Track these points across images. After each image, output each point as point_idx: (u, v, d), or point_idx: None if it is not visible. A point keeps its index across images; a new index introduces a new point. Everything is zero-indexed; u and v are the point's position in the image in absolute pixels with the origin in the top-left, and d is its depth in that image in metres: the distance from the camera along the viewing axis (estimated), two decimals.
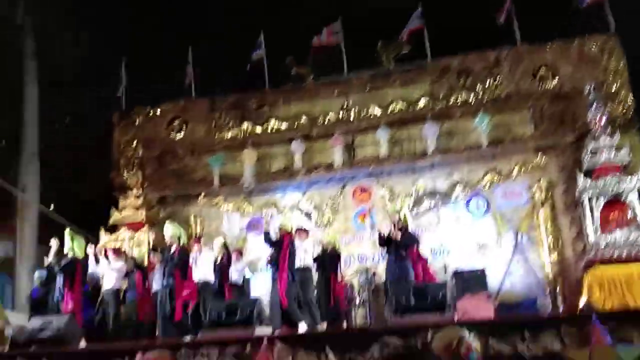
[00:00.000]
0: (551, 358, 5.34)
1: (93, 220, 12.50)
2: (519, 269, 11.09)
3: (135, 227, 11.96)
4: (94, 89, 14.06)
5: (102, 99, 13.87)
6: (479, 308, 8.40)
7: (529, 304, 10.29)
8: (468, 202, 11.64)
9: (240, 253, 10.63)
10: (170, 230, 9.07)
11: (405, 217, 9.43)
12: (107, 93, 13.57)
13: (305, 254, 8.99)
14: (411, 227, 9.76)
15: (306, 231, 9.53)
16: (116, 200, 12.65)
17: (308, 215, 12.39)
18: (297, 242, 8.84)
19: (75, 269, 9.22)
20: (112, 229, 12.20)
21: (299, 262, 8.72)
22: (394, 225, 8.96)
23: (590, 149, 10.15)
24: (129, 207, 12.26)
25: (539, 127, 11.58)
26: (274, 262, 8.44)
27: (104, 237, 11.99)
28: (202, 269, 9.28)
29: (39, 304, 9.95)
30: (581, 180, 9.98)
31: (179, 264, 8.61)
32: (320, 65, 12.98)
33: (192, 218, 12.75)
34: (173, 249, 8.82)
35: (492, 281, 10.26)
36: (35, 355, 6.90)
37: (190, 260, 9.08)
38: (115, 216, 12.27)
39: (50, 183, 14.84)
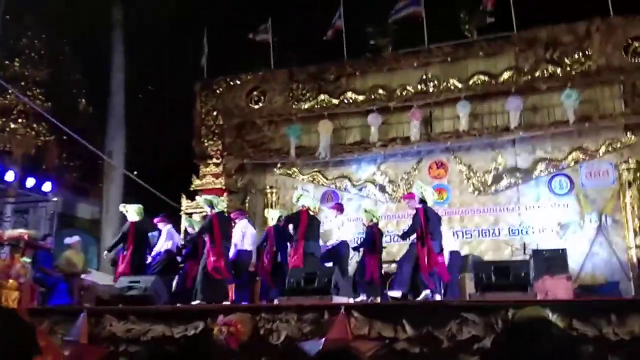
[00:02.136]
0: (638, 343, 5.15)
1: (174, 186, 12.97)
2: (601, 252, 10.71)
3: (214, 193, 12.30)
4: (177, 58, 14.41)
5: (185, 68, 14.22)
6: (559, 289, 8.21)
7: (611, 287, 9.92)
8: (550, 180, 11.27)
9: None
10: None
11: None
12: (189, 62, 13.89)
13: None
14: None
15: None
16: (197, 168, 13.08)
17: (382, 188, 12.37)
18: None
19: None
20: (192, 195, 12.64)
21: None
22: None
23: None
24: (209, 175, 12.66)
25: (630, 104, 10.98)
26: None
27: (184, 202, 12.46)
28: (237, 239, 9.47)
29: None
30: None
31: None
32: (400, 36, 12.77)
33: (267, 187, 13.00)
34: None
35: (573, 262, 9.95)
36: (122, 313, 7.27)
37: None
38: (195, 183, 12.72)
39: (135, 149, 15.47)
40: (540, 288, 7.78)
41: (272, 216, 9.84)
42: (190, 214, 12.30)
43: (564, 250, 9.26)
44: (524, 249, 10.40)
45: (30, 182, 13.24)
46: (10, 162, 13.09)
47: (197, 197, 10.26)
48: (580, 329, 5.28)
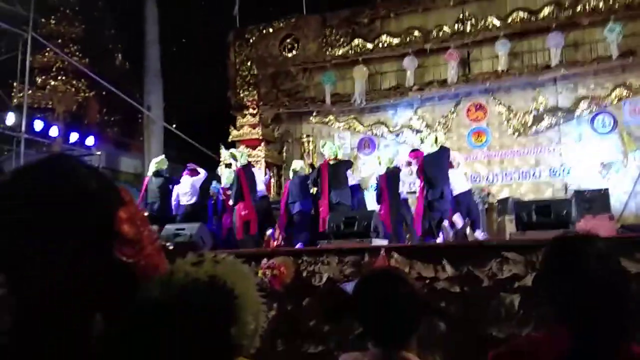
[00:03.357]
0: None
1: (213, 137, 13.14)
2: None
3: (252, 143, 12.49)
4: (210, 8, 14.34)
5: (217, 18, 14.16)
6: (601, 229, 8.11)
7: None
8: (593, 118, 10.98)
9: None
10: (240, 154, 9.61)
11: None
12: (222, 11, 13.81)
13: None
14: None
15: None
16: (234, 118, 13.19)
17: (419, 133, 12.26)
18: None
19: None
20: (231, 145, 12.79)
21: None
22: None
23: None
24: (246, 125, 12.77)
25: None
26: None
27: (224, 152, 12.62)
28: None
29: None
30: None
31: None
32: None
33: (304, 136, 13.05)
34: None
35: (616, 202, 9.80)
36: (169, 256, 7.56)
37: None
38: (233, 133, 12.85)
39: (173, 102, 15.65)
40: (583, 228, 7.72)
41: (293, 168, 10.05)
42: (229, 165, 12.47)
43: (606, 190, 9.12)
44: (566, 190, 10.27)
45: (73, 137, 13.61)
46: (53, 119, 13.43)
47: (222, 151, 10.54)
48: (623, 264, 5.25)
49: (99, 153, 14.13)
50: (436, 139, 8.57)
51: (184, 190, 9.98)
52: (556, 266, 1.52)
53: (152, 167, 9.87)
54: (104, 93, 14.19)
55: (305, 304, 6.54)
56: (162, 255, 1.05)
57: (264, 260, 6.69)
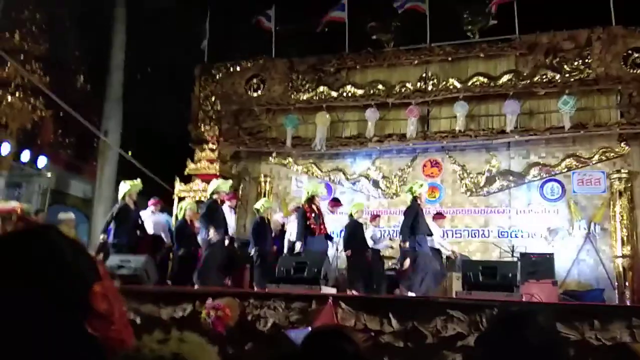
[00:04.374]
0: (621, 350, 5.23)
1: (169, 169, 12.98)
2: (588, 259, 10.85)
3: (208, 178, 12.33)
4: (179, 41, 14.37)
5: (185, 51, 14.19)
6: (544, 292, 8.31)
7: (596, 294, 10.07)
8: (542, 185, 11.38)
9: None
10: (222, 186, 9.41)
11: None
12: (190, 45, 13.86)
13: None
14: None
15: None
16: (192, 152, 13.09)
17: (376, 184, 12.43)
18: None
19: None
20: (187, 179, 12.66)
21: None
22: None
23: None
24: (204, 160, 12.67)
25: (626, 115, 11.09)
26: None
27: (178, 186, 12.48)
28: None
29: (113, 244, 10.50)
30: None
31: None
32: (402, 33, 12.81)
33: (262, 176, 13.03)
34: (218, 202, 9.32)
35: (559, 267, 10.07)
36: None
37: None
38: (190, 167, 12.73)
39: (131, 129, 15.42)
40: (526, 291, 7.88)
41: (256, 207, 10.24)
42: (182, 198, 12.32)
43: (551, 255, 9.38)
44: (512, 252, 10.50)
45: (25, 155, 13.21)
46: (6, 135, 13.02)
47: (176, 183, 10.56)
48: (563, 332, 5.37)
49: (49, 175, 13.73)
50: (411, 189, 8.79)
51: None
52: (499, 334, 1.55)
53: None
54: (61, 114, 13.87)
55: (247, 348, 6.42)
56: (130, 331, 1.08)
57: (209, 300, 6.56)
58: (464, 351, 5.53)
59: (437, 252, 9.57)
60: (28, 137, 13.89)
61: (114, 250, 8.85)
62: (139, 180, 9.64)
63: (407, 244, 8.38)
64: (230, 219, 10.19)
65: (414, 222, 8.45)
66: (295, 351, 1.71)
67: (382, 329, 6.01)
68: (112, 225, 9.20)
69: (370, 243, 10.15)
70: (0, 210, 8.51)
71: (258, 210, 10.31)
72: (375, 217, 11.05)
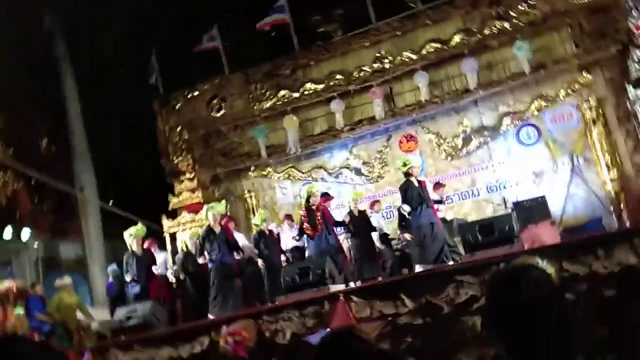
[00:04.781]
0: (629, 273, 5.31)
1: (152, 208, 12.89)
2: (579, 192, 10.95)
3: (194, 208, 12.31)
4: (130, 80, 14.28)
5: (140, 89, 14.09)
6: (545, 235, 8.36)
7: (594, 224, 10.14)
8: (518, 132, 11.47)
9: (290, 218, 10.93)
10: (211, 210, 9.14)
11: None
12: (143, 82, 13.76)
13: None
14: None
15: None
16: (171, 186, 13.01)
17: (358, 171, 12.46)
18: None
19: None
20: (173, 214, 12.58)
21: None
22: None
23: (636, 57, 9.80)
24: (185, 191, 12.61)
25: (581, 45, 11.18)
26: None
27: (165, 222, 12.40)
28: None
29: (118, 296, 10.42)
30: (631, 91, 9.68)
31: (233, 241, 8.94)
32: (346, 20, 12.82)
33: (245, 192, 13.00)
34: (218, 227, 9.00)
35: (554, 208, 10.15)
36: (125, 344, 7.25)
37: None
38: (173, 201, 12.65)
39: (105, 179, 15.30)
40: (527, 238, 7.94)
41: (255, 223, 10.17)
42: (173, 234, 12.25)
43: (543, 197, 9.42)
44: (505, 204, 10.59)
45: (7, 232, 13.05)
46: None
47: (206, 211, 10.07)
48: (571, 269, 5.43)
49: (35, 245, 13.57)
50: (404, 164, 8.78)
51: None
52: (494, 298, 1.54)
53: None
54: (32, 182, 13.73)
55: None
56: None
57: (224, 328, 6.54)
58: (481, 313, 5.57)
59: (445, 221, 9.63)
60: (5, 212, 13.73)
61: (134, 299, 8.73)
62: (140, 225, 9.50)
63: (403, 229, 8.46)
64: (240, 238, 9.97)
65: (406, 198, 8.48)
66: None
67: (397, 311, 6.04)
68: (127, 276, 9.08)
69: (377, 228, 10.18)
70: None
71: (257, 225, 10.29)
72: (374, 202, 11.01)
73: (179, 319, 9.94)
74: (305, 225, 8.93)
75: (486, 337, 1.55)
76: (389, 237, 10.62)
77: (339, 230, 9.82)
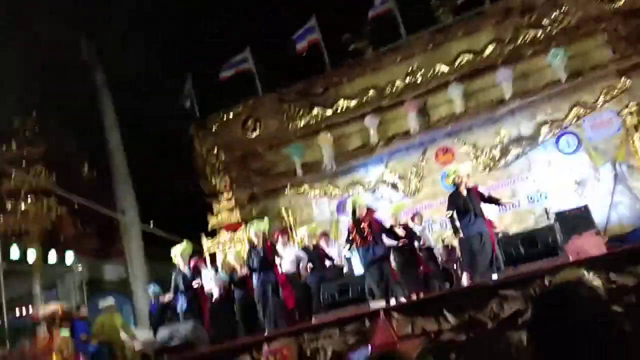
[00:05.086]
0: None
1: (192, 228, 13.05)
2: (623, 200, 10.66)
3: (232, 227, 12.44)
4: (168, 105, 14.59)
5: (177, 113, 14.38)
6: (590, 246, 8.13)
7: None
8: (557, 141, 11.26)
9: (326, 235, 10.78)
10: (253, 228, 9.11)
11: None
12: (180, 106, 14.03)
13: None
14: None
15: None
16: (210, 206, 13.17)
17: (394, 186, 12.38)
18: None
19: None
20: (212, 233, 12.72)
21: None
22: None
23: None
24: (223, 210, 12.75)
25: (618, 49, 10.97)
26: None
27: (205, 242, 12.54)
28: (288, 260, 9.41)
29: (160, 316, 10.51)
30: None
31: (273, 258, 8.85)
32: (377, 36, 12.87)
33: (282, 210, 13.04)
34: (261, 244, 8.94)
35: (597, 217, 9.89)
36: None
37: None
38: (212, 221, 12.80)
39: (146, 201, 15.59)
40: (572, 249, 7.74)
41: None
42: (213, 254, 12.35)
43: (586, 207, 9.20)
44: (547, 214, 10.35)
45: (52, 256, 13.39)
46: (29, 241, 13.24)
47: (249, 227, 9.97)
48: (619, 281, 5.26)
49: (79, 268, 13.88)
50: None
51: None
52: (541, 321, 1.48)
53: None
54: (76, 206, 14.09)
55: None
56: None
57: (265, 347, 6.53)
58: (527, 327, 5.43)
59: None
60: (50, 237, 14.10)
61: (184, 318, 8.73)
62: (186, 242, 9.42)
63: (456, 233, 8.24)
64: (291, 252, 9.73)
65: (456, 209, 8.29)
66: None
67: (440, 327, 5.92)
68: (179, 296, 9.05)
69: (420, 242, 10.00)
70: (43, 316, 8.60)
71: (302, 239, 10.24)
72: (414, 215, 10.83)
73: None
74: (353, 236, 8.76)
75: (533, 352, 1.50)
76: (433, 250, 10.41)
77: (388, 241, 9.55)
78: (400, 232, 9.25)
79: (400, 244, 9.16)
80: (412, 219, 10.66)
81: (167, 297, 9.35)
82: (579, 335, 1.38)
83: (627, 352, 1.41)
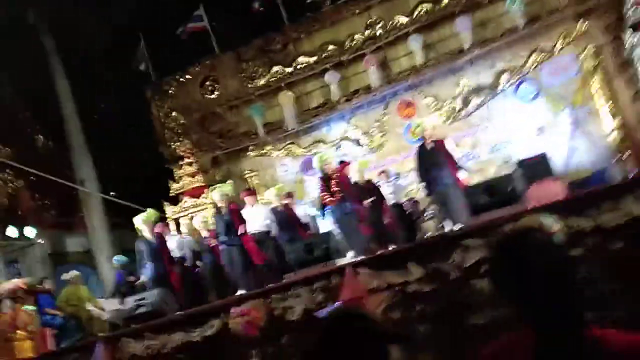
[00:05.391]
0: (636, 223, 5.20)
1: (154, 195, 12.80)
2: (582, 144, 10.80)
3: (196, 192, 12.24)
4: (122, 69, 14.10)
5: (131, 77, 13.91)
6: (551, 192, 8.25)
7: (599, 175, 10.02)
8: (517, 88, 11.29)
9: (291, 196, 10.70)
10: (217, 192, 8.97)
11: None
12: (134, 70, 13.58)
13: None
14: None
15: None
16: (171, 172, 12.92)
17: (358, 142, 12.32)
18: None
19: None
20: (175, 200, 12.51)
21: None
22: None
23: (631, 1, 9.54)
24: (185, 176, 12.52)
25: None
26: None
27: (169, 209, 12.34)
28: (257, 221, 9.31)
29: (127, 285, 10.39)
30: (629, 36, 9.45)
31: (238, 221, 8.73)
32: None
33: (246, 172, 12.90)
34: (225, 208, 8.81)
35: (558, 162, 10.02)
36: (137, 332, 7.24)
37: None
38: (174, 187, 12.58)
39: (105, 170, 15.23)
40: (533, 196, 7.83)
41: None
42: (177, 219, 12.17)
43: (544, 154, 9.28)
44: (509, 162, 10.44)
45: (11, 231, 13.05)
46: None
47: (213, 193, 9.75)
48: (578, 224, 5.32)
49: (41, 241, 13.58)
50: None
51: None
52: (501, 268, 1.50)
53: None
54: (32, 178, 13.68)
55: (284, 341, 6.38)
56: None
57: (234, 309, 6.50)
58: (488, 276, 5.49)
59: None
60: (8, 211, 13.72)
61: (151, 285, 8.58)
62: (150, 210, 9.20)
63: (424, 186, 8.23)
64: (259, 211, 9.56)
65: (420, 163, 8.28)
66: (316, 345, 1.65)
67: (405, 279, 5.96)
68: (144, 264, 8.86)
69: (389, 198, 9.99)
70: (5, 291, 8.42)
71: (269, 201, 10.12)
72: (382, 172, 10.80)
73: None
74: (323, 194, 8.64)
75: (497, 298, 1.53)
76: (402, 206, 10.43)
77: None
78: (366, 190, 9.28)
79: (366, 203, 9.18)
80: (379, 175, 10.64)
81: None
82: (537, 280, 1.41)
83: (583, 294, 1.47)
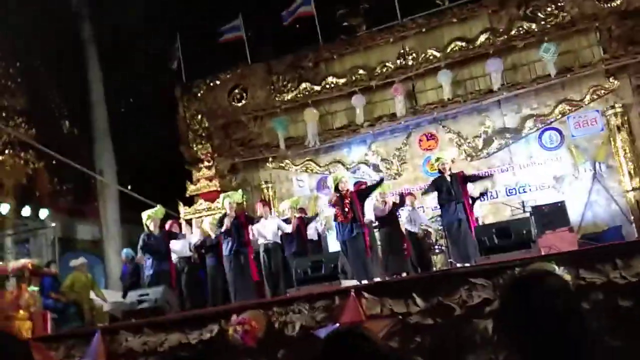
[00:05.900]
0: None
1: (169, 194, 12.92)
2: (599, 199, 10.78)
3: (210, 196, 12.35)
4: (154, 66, 14.32)
5: (163, 75, 14.13)
6: (563, 242, 8.25)
7: (613, 232, 9.98)
8: (540, 136, 11.32)
9: (304, 212, 10.74)
10: (227, 199, 8.98)
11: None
12: (166, 68, 13.79)
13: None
14: (476, 170, 9.85)
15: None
16: (189, 173, 13.06)
17: (376, 167, 12.37)
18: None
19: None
20: (189, 201, 12.62)
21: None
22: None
23: None
24: (202, 179, 12.65)
25: (608, 50, 11.01)
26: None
27: (182, 209, 12.44)
28: (270, 232, 9.35)
29: (131, 279, 10.46)
30: None
31: (245, 230, 8.82)
32: (372, 15, 12.74)
33: (262, 183, 13.00)
34: (234, 215, 8.84)
35: (573, 213, 10.00)
36: (136, 327, 7.27)
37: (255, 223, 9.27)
38: (190, 188, 12.70)
39: (125, 163, 15.41)
40: (545, 243, 7.83)
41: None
42: (189, 221, 12.26)
43: (562, 203, 9.29)
44: (524, 207, 10.44)
45: (26, 211, 13.22)
46: (3, 194, 13.03)
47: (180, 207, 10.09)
48: (588, 277, 5.33)
49: (53, 225, 13.72)
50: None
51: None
52: (512, 309, 1.49)
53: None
54: (53, 162, 13.87)
55: (280, 356, 6.38)
56: None
57: (234, 317, 6.53)
58: (493, 316, 5.49)
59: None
60: (26, 192, 13.90)
61: (153, 281, 8.66)
62: (159, 207, 9.29)
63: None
64: (272, 223, 9.53)
65: (438, 194, 8.38)
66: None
67: (408, 310, 5.96)
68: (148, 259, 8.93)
69: (406, 225, 10.00)
70: (12, 269, 8.52)
71: (283, 212, 10.17)
72: (409, 193, 10.65)
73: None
74: (337, 211, 8.68)
75: (498, 341, 1.52)
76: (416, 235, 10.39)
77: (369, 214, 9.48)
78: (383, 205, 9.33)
79: (381, 215, 9.23)
80: (407, 195, 10.48)
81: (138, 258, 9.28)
82: (543, 327, 1.38)
83: (590, 347, 1.43)
